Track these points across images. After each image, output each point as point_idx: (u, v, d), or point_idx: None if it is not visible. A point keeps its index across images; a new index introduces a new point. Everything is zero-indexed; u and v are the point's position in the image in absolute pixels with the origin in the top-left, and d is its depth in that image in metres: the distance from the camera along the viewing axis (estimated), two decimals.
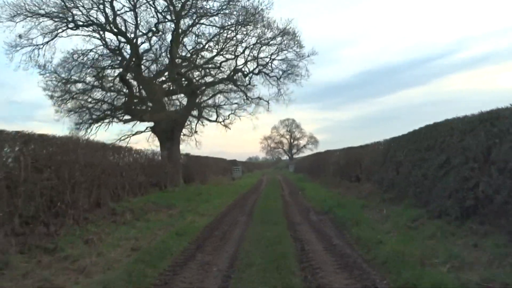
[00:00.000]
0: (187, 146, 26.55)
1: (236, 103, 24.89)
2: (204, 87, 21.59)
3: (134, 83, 19.74)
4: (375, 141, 18.87)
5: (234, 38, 19.03)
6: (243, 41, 19.85)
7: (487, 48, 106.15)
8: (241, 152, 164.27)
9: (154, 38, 21.02)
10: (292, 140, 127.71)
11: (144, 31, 18.02)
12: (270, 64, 22.02)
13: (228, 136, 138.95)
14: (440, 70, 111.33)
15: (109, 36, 20.64)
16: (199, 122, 26.18)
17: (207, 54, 21.01)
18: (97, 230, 9.25)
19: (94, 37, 20.03)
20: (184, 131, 25.25)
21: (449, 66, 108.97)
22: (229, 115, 27.08)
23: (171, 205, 13.86)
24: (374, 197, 13.20)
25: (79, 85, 17.04)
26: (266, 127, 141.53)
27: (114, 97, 18.63)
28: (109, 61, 20.44)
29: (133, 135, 20.03)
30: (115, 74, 19.84)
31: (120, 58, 20.28)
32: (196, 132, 26.67)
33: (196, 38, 20.75)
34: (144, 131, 20.59)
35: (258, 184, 30.46)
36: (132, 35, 18.06)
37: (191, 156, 25.71)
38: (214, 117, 26.61)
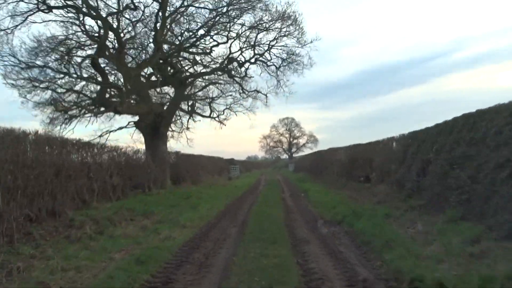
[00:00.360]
0: (177, 144, 23.91)
1: (230, 95, 22.44)
2: (193, 78, 19.11)
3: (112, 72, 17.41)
4: (388, 137, 16.52)
5: (226, 14, 16.48)
6: (237, 17, 17.28)
7: (486, 47, 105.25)
8: (241, 151, 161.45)
9: (139, 25, 18.66)
10: (291, 139, 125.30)
11: (120, 8, 15.52)
12: (268, 52, 19.57)
13: (227, 135, 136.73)
14: (440, 69, 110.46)
15: (90, 22, 18.22)
16: (191, 117, 23.74)
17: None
18: (35, 252, 6.83)
19: (72, 22, 17.68)
20: (174, 127, 22.83)
21: (448, 65, 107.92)
22: (223, 110, 24.66)
23: (149, 212, 11.43)
24: (395, 202, 10.78)
25: (48, 72, 14.60)
26: (265, 126, 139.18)
27: (83, 86, 16.13)
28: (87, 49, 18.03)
29: (113, 131, 17.61)
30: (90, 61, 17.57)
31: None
32: (188, 128, 24.25)
33: (184, 23, 18.31)
34: (126, 127, 18.14)
35: (256, 185, 28.05)
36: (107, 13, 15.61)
37: (182, 154, 23.27)
38: (207, 113, 24.20)
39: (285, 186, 25.83)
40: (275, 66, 19.86)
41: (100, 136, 17.94)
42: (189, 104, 22.85)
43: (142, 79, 18.10)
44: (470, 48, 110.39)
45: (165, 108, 18.74)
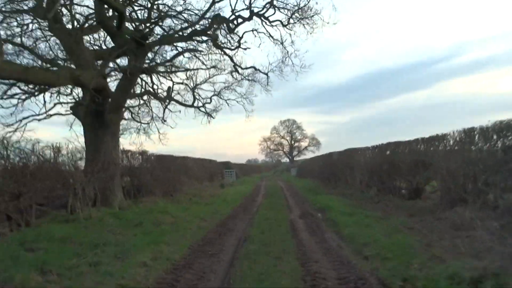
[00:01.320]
0: (152, 143, 17.54)
1: (217, 74, 16.16)
2: (156, 39, 12.74)
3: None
4: (460, 129, 10.20)
5: None
6: None
7: (488, 52, 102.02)
8: (242, 154, 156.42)
9: None
10: (292, 142, 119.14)
11: None
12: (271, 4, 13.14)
13: (227, 139, 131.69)
14: (441, 74, 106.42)
15: None
16: (166, 107, 17.50)
17: None
18: None
19: None
20: (138, 118, 16.55)
21: (450, 70, 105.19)
22: (211, 98, 18.43)
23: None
24: None
25: None
26: (263, 131, 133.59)
27: None
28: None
29: (33, 118, 11.41)
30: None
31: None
32: (164, 121, 18.00)
33: None
34: (48, 114, 11.93)
35: (253, 195, 21.74)
36: None
37: (151, 156, 16.96)
38: (190, 101, 17.98)
39: (291, 198, 19.46)
40: (281, 23, 13.49)
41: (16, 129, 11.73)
42: (167, 92, 16.60)
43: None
44: (471, 53, 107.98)
45: (114, 85, 12.50)
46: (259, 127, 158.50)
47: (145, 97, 16.66)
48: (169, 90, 16.83)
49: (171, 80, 16.99)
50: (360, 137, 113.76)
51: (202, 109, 18.47)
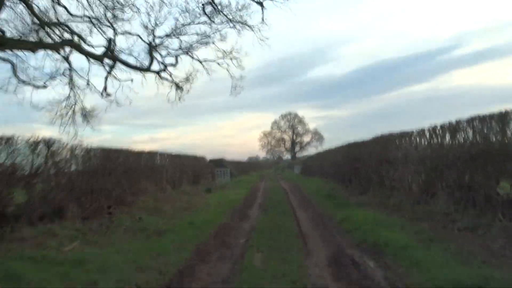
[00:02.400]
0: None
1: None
2: None
3: None
4: None
5: None
6: None
7: (490, 43, 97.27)
8: (243, 151, 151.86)
9: None
10: (294, 137, 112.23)
11: None
12: None
13: (230, 136, 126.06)
14: (441, 66, 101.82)
15: None
16: (110, 71, 10.85)
17: None
18: None
19: None
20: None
21: (450, 62, 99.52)
22: (177, 57, 11.82)
23: None
24: None
25: None
26: (265, 127, 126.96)
27: None
28: None
29: None
30: None
31: None
32: (105, 91, 11.44)
33: None
34: None
35: (245, 205, 15.03)
36: None
37: (90, 150, 10.28)
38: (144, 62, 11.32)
39: (302, 211, 12.61)
40: None
41: None
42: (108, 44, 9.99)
43: None
44: (472, 44, 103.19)
45: None
46: (260, 123, 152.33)
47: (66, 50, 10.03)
48: (110, 44, 10.22)
49: (112, 27, 10.39)
50: (362, 131, 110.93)
51: (166, 75, 11.86)
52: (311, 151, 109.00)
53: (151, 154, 16.30)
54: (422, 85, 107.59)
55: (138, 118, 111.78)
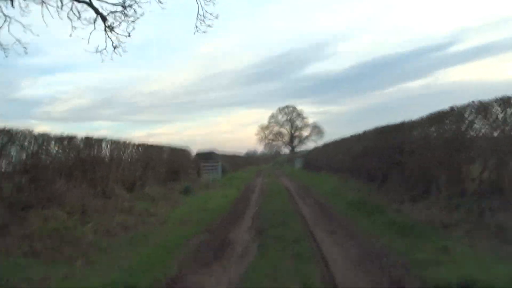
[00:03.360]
0: None
1: None
2: None
3: None
4: None
5: None
6: None
7: (486, 39, 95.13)
8: (242, 146, 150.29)
9: None
10: (293, 131, 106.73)
11: None
12: None
13: (228, 131, 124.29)
14: (439, 62, 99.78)
15: None
16: None
17: None
18: None
19: None
20: None
21: (447, 58, 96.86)
22: None
23: None
24: None
25: None
26: (262, 122, 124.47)
27: None
28: None
29: None
30: None
31: None
32: None
33: None
34: None
35: (231, 218, 9.43)
36: None
37: None
38: None
39: (331, 241, 6.94)
40: None
41: None
42: None
43: None
44: (468, 40, 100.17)
45: None
46: (257, 119, 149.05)
47: None
48: None
49: None
50: (359, 126, 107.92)
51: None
52: (310, 145, 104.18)
53: (89, 142, 10.58)
54: (419, 81, 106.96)
55: (136, 114, 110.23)
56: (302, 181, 21.26)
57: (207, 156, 30.17)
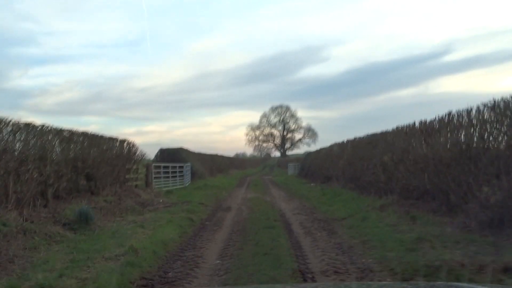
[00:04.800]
0: None
1: None
2: None
3: None
4: None
5: None
6: None
7: (478, 50, 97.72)
8: (231, 148, 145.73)
9: None
10: (285, 133, 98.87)
11: None
12: None
13: (217, 133, 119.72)
14: (430, 71, 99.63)
15: None
16: None
17: None
18: None
19: None
20: None
21: (439, 67, 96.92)
22: None
23: None
24: None
25: None
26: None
27: None
28: None
29: None
30: None
31: None
32: None
33: None
34: None
35: None
36: None
37: None
38: None
39: None
40: None
41: None
42: None
43: None
44: (460, 51, 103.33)
45: None
46: (248, 121, 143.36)
47: None
48: None
49: None
50: (351, 132, 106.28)
51: None
52: (303, 149, 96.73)
53: None
54: (410, 89, 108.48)
55: (126, 110, 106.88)
56: (306, 199, 13.21)
57: (173, 156, 22.01)
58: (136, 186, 14.02)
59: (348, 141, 16.91)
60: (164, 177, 17.31)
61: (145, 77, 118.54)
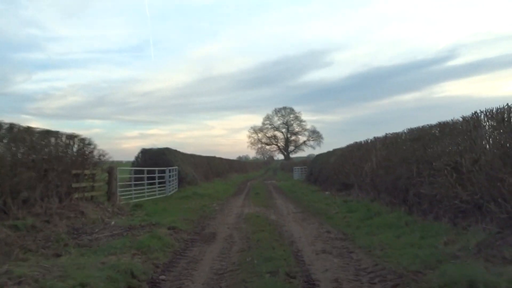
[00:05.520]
0: None
1: None
2: None
3: None
4: None
5: None
6: None
7: (481, 56, 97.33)
8: (234, 151, 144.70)
9: None
10: (289, 135, 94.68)
11: None
12: None
13: (220, 136, 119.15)
14: (434, 76, 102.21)
15: None
16: None
17: None
18: None
19: None
20: None
21: (442, 72, 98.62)
22: None
23: None
24: None
25: None
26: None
27: None
28: None
29: None
30: None
31: None
32: None
33: None
34: None
35: None
36: None
37: None
38: None
39: None
40: None
41: None
42: None
43: None
44: (463, 56, 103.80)
45: None
46: (251, 125, 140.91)
47: None
48: None
49: None
50: (353, 137, 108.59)
51: None
52: (306, 151, 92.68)
53: None
54: (414, 94, 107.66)
55: (129, 114, 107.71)
56: (328, 219, 9.18)
57: (157, 158, 18.12)
58: (92, 198, 10.10)
59: (376, 139, 12.89)
60: (138, 184, 13.38)
61: (148, 82, 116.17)
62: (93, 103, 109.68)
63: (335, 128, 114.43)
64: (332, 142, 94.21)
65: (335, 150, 21.52)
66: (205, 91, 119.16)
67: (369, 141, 13.63)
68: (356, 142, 16.51)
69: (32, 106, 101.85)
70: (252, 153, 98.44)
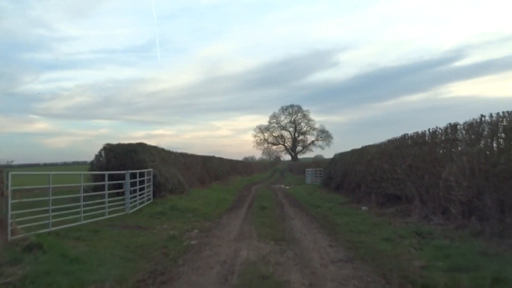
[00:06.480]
0: None
1: None
2: None
3: None
4: None
5: None
6: None
7: (488, 57, 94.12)
8: (241, 152, 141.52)
9: None
10: (296, 134, 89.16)
11: None
12: None
13: (226, 136, 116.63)
14: (440, 77, 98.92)
15: None
16: None
17: None
18: None
19: None
20: None
21: (449, 73, 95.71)
22: None
23: None
24: None
25: None
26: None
27: None
28: None
29: None
30: None
31: None
32: None
33: None
34: None
35: None
36: None
37: None
38: None
39: None
40: None
41: None
42: None
43: None
44: (470, 57, 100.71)
45: None
46: (257, 125, 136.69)
47: None
48: None
49: None
50: (359, 138, 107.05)
51: None
52: (316, 151, 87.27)
53: None
54: (420, 94, 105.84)
55: (135, 114, 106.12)
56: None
57: (125, 157, 12.98)
58: None
59: (465, 124, 7.58)
60: (96, 196, 8.24)
61: (154, 82, 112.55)
62: (100, 103, 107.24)
63: (341, 130, 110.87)
64: (338, 144, 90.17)
65: (365, 148, 16.19)
66: (211, 92, 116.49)
67: (447, 129, 8.25)
68: (405, 134, 11.18)
69: (40, 106, 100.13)
70: (258, 154, 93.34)
